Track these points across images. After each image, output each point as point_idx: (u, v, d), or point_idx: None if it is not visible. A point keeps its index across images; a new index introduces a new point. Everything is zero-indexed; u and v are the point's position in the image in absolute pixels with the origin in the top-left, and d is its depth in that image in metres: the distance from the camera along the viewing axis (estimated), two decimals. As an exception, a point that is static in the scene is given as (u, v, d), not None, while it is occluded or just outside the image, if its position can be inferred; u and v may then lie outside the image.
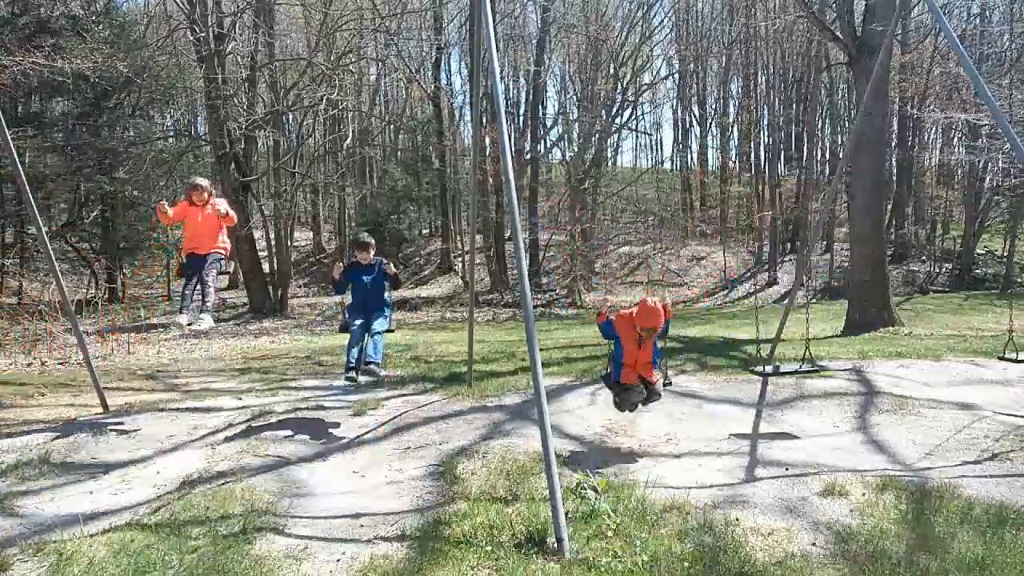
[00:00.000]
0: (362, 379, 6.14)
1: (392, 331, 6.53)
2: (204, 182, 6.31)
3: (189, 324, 5.83)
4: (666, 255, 31.48)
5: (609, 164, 36.42)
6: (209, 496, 4.52)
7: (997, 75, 19.99)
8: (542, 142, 31.83)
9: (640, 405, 5.50)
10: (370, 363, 6.00)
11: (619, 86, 27.68)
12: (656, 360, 5.45)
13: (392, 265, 6.49)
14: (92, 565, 3.55)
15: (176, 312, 6.07)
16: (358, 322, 6.20)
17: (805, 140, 32.59)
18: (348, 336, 6.22)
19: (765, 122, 36.67)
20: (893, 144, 29.27)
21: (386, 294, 6.50)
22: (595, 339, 12.33)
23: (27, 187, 6.22)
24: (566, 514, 3.82)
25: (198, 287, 5.99)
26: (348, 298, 6.55)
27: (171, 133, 28.43)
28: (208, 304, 5.95)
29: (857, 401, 6.74)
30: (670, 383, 5.82)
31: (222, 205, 6.21)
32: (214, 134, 19.78)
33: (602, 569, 3.44)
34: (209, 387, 8.20)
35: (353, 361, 6.04)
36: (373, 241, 6.56)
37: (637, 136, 46.06)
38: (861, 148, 12.76)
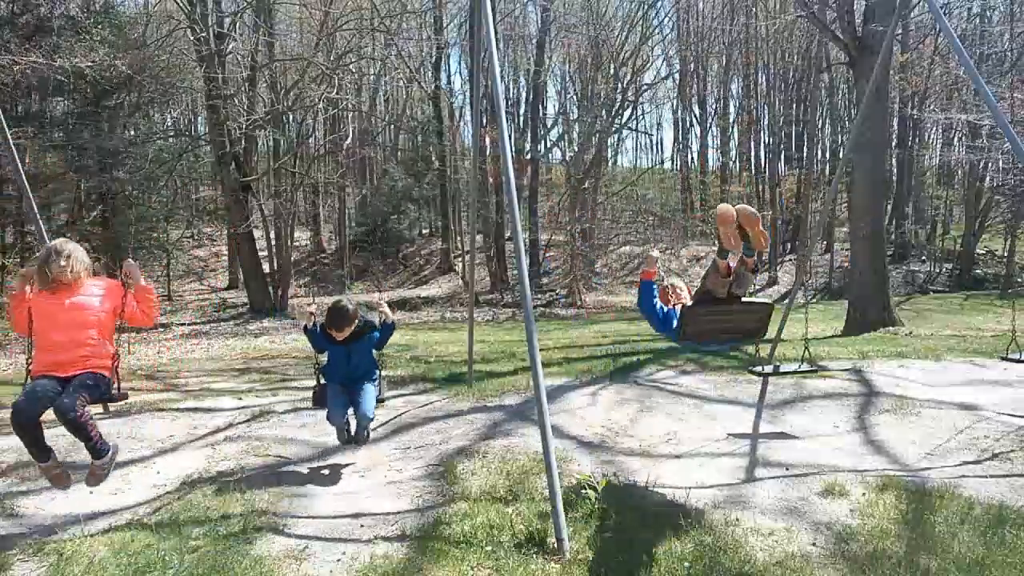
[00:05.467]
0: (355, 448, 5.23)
1: (382, 401, 5.32)
2: (69, 246, 3.90)
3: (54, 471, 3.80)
4: (666, 255, 31.48)
5: (609, 164, 36.43)
6: (209, 496, 4.52)
7: (997, 75, 20.00)
8: (542, 142, 31.83)
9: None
10: (358, 435, 4.99)
11: (619, 86, 27.68)
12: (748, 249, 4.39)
13: (382, 307, 5.25)
14: (92, 565, 3.55)
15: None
16: (338, 399, 4.89)
17: (805, 140, 32.59)
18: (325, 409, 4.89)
19: (765, 122, 36.67)
20: (893, 144, 29.27)
21: (376, 365, 5.22)
22: (595, 339, 12.34)
23: (27, 187, 6.22)
24: (566, 514, 3.81)
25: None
26: (324, 358, 5.20)
27: (171, 133, 28.45)
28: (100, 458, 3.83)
29: (857, 401, 6.74)
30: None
31: (137, 279, 4.01)
32: (214, 134, 19.80)
33: (602, 569, 3.44)
34: (209, 387, 8.20)
35: (344, 424, 4.92)
36: (352, 310, 4.86)
37: (637, 136, 46.11)
38: (861, 148, 12.76)
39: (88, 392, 3.74)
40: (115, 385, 4.04)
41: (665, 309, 4.70)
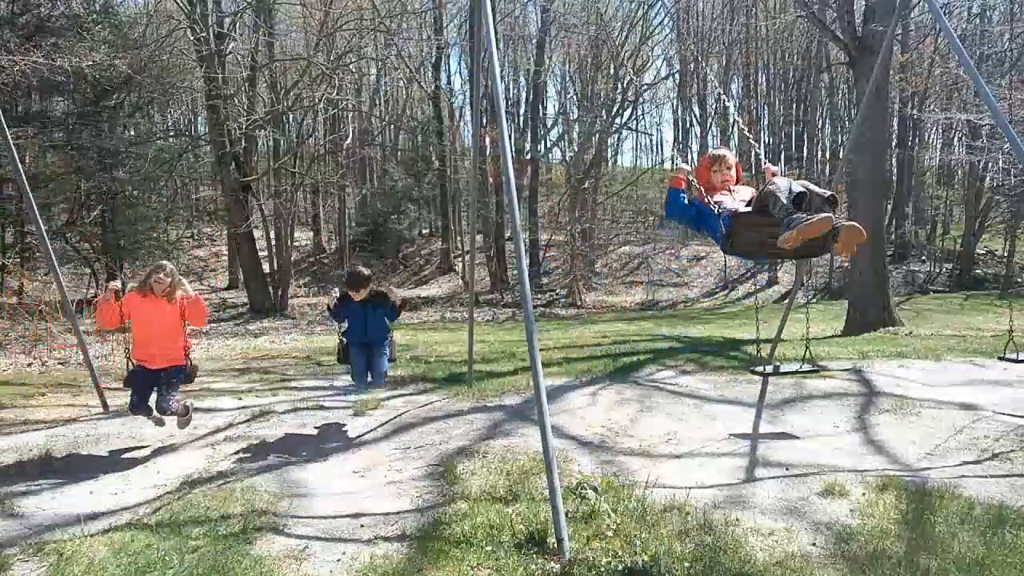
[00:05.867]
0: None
1: (393, 360, 6.38)
2: (169, 264, 5.28)
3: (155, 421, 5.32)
4: (666, 255, 31.47)
5: (609, 164, 36.43)
6: (209, 496, 4.52)
7: (997, 75, 20.00)
8: (542, 142, 31.83)
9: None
10: (376, 384, 6.16)
11: (619, 86, 27.68)
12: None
13: (392, 292, 6.15)
14: (92, 565, 3.55)
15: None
16: (359, 361, 5.98)
17: (805, 140, 32.60)
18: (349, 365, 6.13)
19: (765, 122, 36.68)
20: (893, 144, 29.27)
21: (387, 331, 6.17)
22: (595, 339, 12.34)
23: (27, 187, 6.23)
24: (566, 514, 3.81)
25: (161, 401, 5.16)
26: (345, 325, 6.20)
27: (171, 133, 28.47)
28: (173, 409, 5.18)
29: (857, 401, 6.74)
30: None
31: (188, 291, 5.26)
32: (214, 134, 19.80)
33: (602, 569, 3.44)
34: (209, 387, 8.19)
35: (363, 381, 6.06)
36: (368, 273, 5.95)
37: (637, 136, 46.09)
38: (861, 148, 12.76)
39: (174, 388, 5.18)
40: (187, 365, 5.40)
41: (703, 206, 3.96)
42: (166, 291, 5.08)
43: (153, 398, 5.23)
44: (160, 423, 5.45)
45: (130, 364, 5.35)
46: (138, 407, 5.15)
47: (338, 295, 6.00)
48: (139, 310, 5.10)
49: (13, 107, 18.09)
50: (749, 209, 3.75)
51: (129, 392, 5.28)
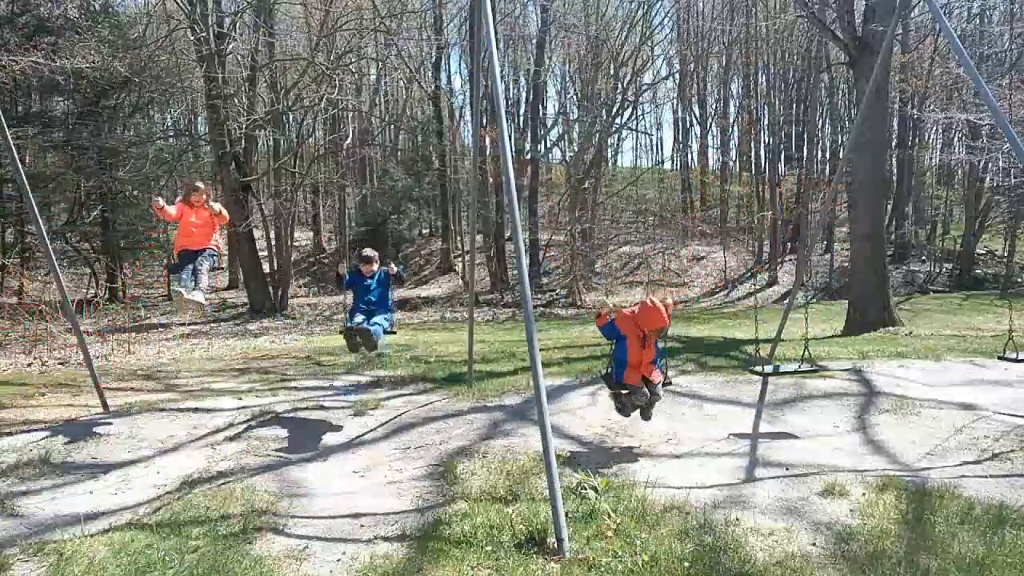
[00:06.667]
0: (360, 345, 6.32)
1: (394, 332, 6.68)
2: (203, 184, 6.76)
3: (187, 291, 6.35)
4: (666, 255, 31.47)
5: (609, 164, 36.43)
6: (209, 496, 4.52)
7: (997, 75, 19.99)
8: (542, 142, 31.82)
9: (641, 410, 5.37)
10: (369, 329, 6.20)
11: (619, 86, 27.67)
12: (659, 360, 5.42)
13: (393, 266, 6.71)
14: (92, 565, 3.55)
15: (176, 285, 6.59)
16: (359, 311, 6.48)
17: (805, 140, 32.59)
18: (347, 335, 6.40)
19: (765, 122, 36.67)
20: (893, 144, 29.27)
21: (389, 301, 6.68)
22: (595, 339, 12.34)
23: (27, 187, 6.22)
24: (566, 514, 3.82)
25: (192, 276, 6.40)
26: (349, 298, 6.74)
27: (171, 133, 28.45)
28: (201, 286, 6.39)
29: (857, 401, 6.74)
30: (670, 382, 5.73)
31: (217, 205, 6.68)
32: (214, 134, 19.78)
33: (602, 569, 3.44)
34: (209, 387, 8.19)
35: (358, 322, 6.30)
36: (376, 255, 6.76)
37: (637, 136, 46.15)
38: (861, 148, 12.76)
39: (203, 265, 6.47)
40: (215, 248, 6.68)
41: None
42: (202, 203, 6.56)
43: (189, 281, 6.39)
44: (190, 296, 6.34)
45: (174, 258, 6.72)
46: (181, 269, 6.48)
47: (346, 269, 6.78)
48: (186, 213, 6.54)
49: (13, 107, 18.12)
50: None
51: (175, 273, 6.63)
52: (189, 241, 6.54)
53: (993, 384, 7.33)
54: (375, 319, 6.37)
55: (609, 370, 5.51)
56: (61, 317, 12.46)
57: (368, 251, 6.81)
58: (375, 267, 6.68)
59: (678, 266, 30.87)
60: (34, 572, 3.54)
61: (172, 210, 6.38)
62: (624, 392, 5.36)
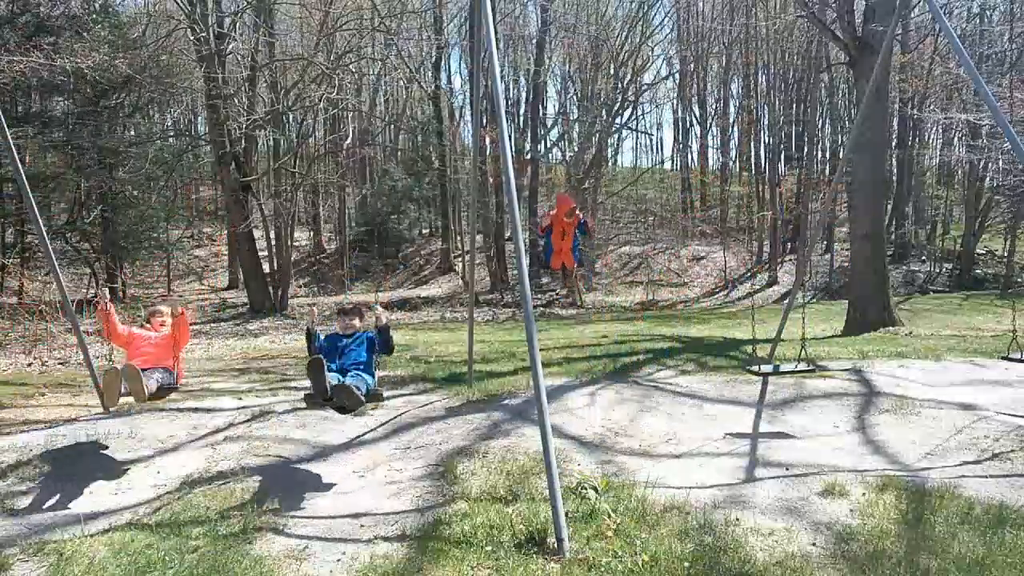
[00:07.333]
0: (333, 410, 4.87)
1: (380, 397, 5.20)
2: (166, 308, 5.70)
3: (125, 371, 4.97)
4: (666, 255, 31.46)
5: (609, 164, 36.40)
6: (209, 496, 4.52)
7: (997, 75, 19.99)
8: (542, 142, 31.81)
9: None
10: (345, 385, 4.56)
11: (619, 86, 27.66)
12: (576, 250, 6.66)
13: (379, 313, 5.22)
14: (92, 565, 3.55)
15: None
16: (333, 377, 4.70)
17: (805, 140, 32.57)
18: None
19: (765, 122, 36.66)
20: (893, 144, 29.26)
21: (374, 366, 5.15)
22: (595, 339, 12.35)
23: (27, 187, 6.22)
24: (566, 514, 3.81)
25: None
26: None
27: (171, 133, 28.44)
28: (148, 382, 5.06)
29: (857, 401, 6.73)
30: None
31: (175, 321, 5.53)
32: (214, 134, 19.78)
33: (602, 569, 3.44)
34: (209, 387, 8.19)
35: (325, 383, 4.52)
36: (361, 310, 5.36)
37: (637, 136, 46.13)
38: (861, 148, 12.75)
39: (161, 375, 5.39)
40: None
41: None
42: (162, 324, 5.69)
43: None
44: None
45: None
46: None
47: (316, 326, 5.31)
48: (137, 339, 5.58)
49: (13, 107, 18.09)
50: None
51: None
52: (142, 362, 5.25)
53: (993, 384, 7.32)
54: (353, 375, 4.83)
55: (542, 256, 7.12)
56: (61, 317, 12.45)
57: (350, 304, 5.44)
58: (358, 323, 5.19)
59: (678, 266, 30.86)
60: (34, 572, 3.54)
61: (121, 328, 5.36)
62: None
